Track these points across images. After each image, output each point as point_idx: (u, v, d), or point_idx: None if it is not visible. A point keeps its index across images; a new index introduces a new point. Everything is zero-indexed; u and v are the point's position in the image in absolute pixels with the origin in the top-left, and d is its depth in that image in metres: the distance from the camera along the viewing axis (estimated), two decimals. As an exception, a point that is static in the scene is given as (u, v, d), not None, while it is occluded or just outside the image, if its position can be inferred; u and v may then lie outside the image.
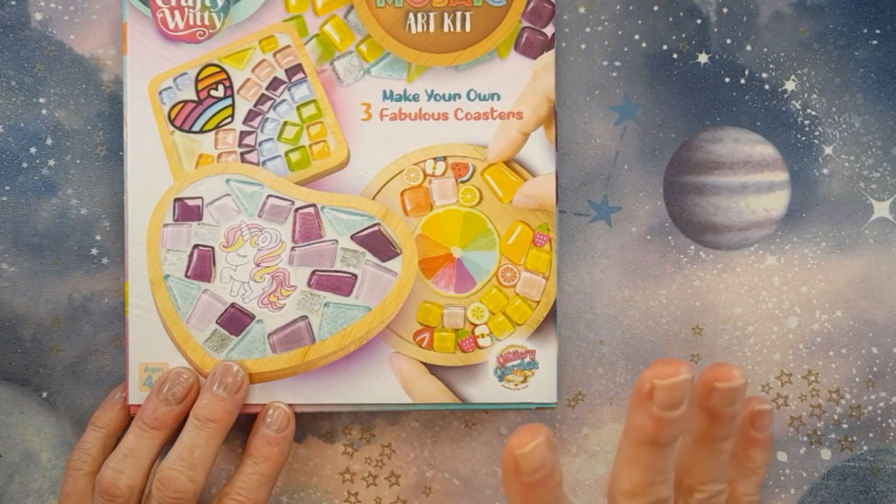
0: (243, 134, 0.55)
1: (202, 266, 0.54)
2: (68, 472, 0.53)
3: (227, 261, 0.54)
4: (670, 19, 0.58)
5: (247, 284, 0.54)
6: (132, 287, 0.54)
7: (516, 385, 0.55)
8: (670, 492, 0.43)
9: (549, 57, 0.55)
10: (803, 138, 0.58)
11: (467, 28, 0.55)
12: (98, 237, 0.57)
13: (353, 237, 0.55)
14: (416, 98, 0.55)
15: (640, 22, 0.58)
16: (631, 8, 0.57)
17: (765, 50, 0.58)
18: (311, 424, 0.58)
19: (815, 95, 0.58)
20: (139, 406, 0.54)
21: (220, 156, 0.55)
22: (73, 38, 0.57)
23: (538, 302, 0.55)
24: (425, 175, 0.55)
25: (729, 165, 0.58)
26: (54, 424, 0.57)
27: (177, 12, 0.54)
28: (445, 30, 0.55)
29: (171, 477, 0.51)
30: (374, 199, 0.55)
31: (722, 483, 0.44)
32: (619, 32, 0.58)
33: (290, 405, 0.54)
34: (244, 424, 0.56)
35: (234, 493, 0.52)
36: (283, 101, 0.55)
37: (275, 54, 0.55)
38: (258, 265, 0.54)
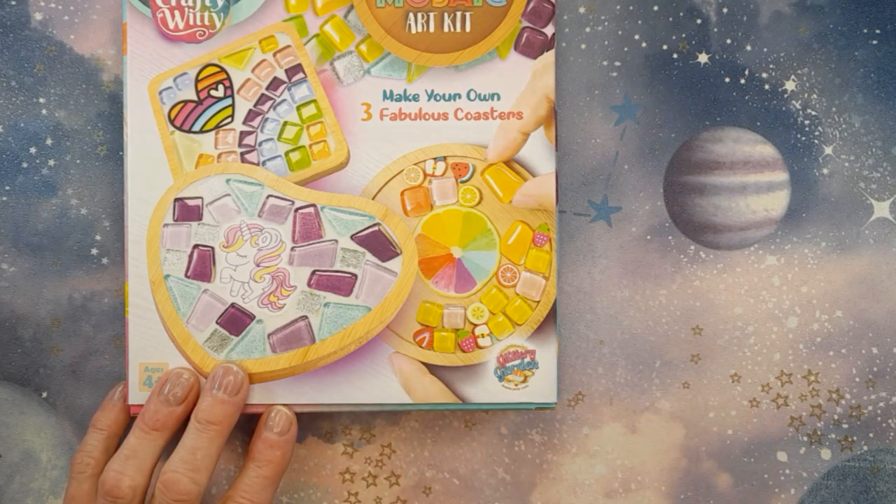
0: (243, 134, 0.55)
1: (202, 266, 0.54)
2: (72, 476, 0.53)
3: (227, 261, 0.54)
4: (670, 19, 0.58)
5: (247, 284, 0.54)
6: (132, 287, 0.54)
7: (516, 385, 0.55)
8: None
9: (549, 57, 0.55)
10: (803, 138, 0.58)
11: (467, 28, 0.55)
12: (98, 237, 0.57)
13: (353, 237, 0.54)
14: (416, 98, 0.55)
15: (640, 22, 0.58)
16: (631, 8, 0.57)
17: (765, 50, 0.58)
18: (311, 424, 0.58)
19: (815, 95, 0.58)
20: (139, 406, 0.54)
21: (220, 156, 0.55)
22: (73, 38, 0.57)
23: (538, 302, 0.55)
24: (425, 175, 0.55)
25: (729, 165, 0.58)
26: (54, 424, 0.57)
27: (177, 12, 0.54)
28: (445, 30, 0.55)
29: (174, 480, 0.51)
30: (374, 199, 0.55)
31: None
32: (619, 32, 0.58)
33: (290, 405, 0.54)
34: (244, 425, 0.56)
35: (238, 496, 0.52)
36: (283, 101, 0.55)
37: (275, 54, 0.55)
38: (258, 265, 0.54)
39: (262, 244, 0.54)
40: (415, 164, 0.55)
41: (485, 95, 0.55)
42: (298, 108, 0.55)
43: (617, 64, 0.58)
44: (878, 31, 0.58)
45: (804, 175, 0.58)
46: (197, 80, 0.55)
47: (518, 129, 0.55)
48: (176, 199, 0.54)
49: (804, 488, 0.58)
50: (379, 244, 0.55)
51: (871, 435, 0.58)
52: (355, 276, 0.54)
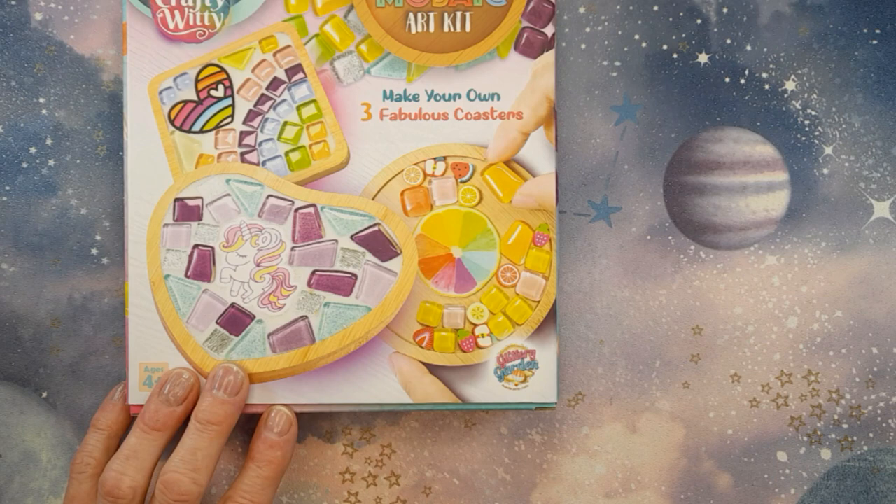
0: (243, 134, 0.55)
1: (202, 266, 0.54)
2: (72, 476, 0.53)
3: (227, 261, 0.54)
4: (670, 19, 0.58)
5: (247, 284, 0.54)
6: (132, 287, 0.54)
7: (516, 385, 0.55)
8: None
9: (549, 57, 0.55)
10: (803, 138, 0.58)
11: (467, 28, 0.55)
12: (98, 237, 0.57)
13: (353, 237, 0.54)
14: (416, 98, 0.55)
15: (640, 22, 0.58)
16: (631, 8, 0.57)
17: (765, 50, 0.58)
18: (311, 424, 0.58)
19: (815, 95, 0.58)
20: (139, 406, 0.54)
21: (220, 156, 0.55)
22: (73, 38, 0.57)
23: (538, 302, 0.55)
24: (425, 175, 0.55)
25: (729, 165, 0.58)
26: (54, 424, 0.57)
27: (177, 12, 0.54)
28: (445, 30, 0.55)
29: (174, 480, 0.51)
30: (374, 199, 0.55)
31: None
32: (619, 32, 0.58)
33: (290, 405, 0.54)
34: (244, 425, 0.56)
35: (238, 496, 0.52)
36: (283, 101, 0.55)
37: (275, 54, 0.55)
38: (258, 265, 0.54)
39: (262, 244, 0.54)
40: (415, 164, 0.55)
41: (485, 95, 0.55)
42: (298, 108, 0.55)
43: (617, 64, 0.58)
44: (878, 31, 0.58)
45: (804, 175, 0.58)
46: (197, 80, 0.55)
47: (518, 129, 0.55)
48: (176, 199, 0.54)
49: (804, 488, 0.58)
50: (379, 244, 0.55)
51: (871, 435, 0.58)
52: (355, 276, 0.54)
